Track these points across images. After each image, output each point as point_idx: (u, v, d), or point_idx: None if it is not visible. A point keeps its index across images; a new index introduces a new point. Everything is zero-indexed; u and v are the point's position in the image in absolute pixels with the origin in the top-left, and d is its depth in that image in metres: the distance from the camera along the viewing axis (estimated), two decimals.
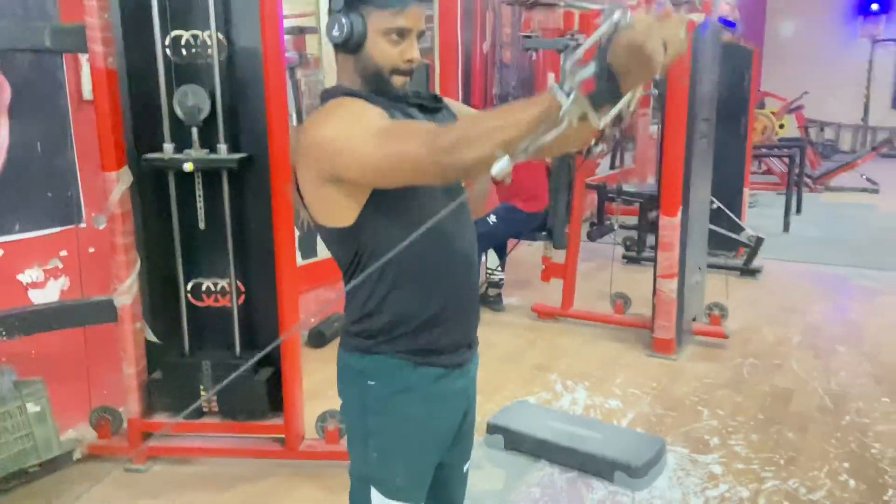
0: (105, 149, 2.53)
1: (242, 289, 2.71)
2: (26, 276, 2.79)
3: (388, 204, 1.31)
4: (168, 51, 2.53)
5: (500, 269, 4.59)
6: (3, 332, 2.46)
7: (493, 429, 2.89)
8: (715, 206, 5.20)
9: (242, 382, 2.63)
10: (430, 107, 1.42)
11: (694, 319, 4.04)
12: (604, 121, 0.91)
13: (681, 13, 0.93)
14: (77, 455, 2.68)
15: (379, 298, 1.37)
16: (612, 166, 5.65)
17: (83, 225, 2.92)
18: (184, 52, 2.54)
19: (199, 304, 2.71)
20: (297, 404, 2.68)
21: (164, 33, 2.50)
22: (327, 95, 1.39)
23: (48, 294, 2.85)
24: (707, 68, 3.77)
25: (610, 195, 5.49)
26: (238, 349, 2.68)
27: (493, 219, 4.30)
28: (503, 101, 5.14)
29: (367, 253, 1.35)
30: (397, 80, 1.35)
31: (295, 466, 2.70)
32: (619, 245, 5.70)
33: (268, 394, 2.66)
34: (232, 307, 2.66)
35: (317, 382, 2.97)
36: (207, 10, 2.46)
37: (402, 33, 1.32)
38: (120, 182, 2.55)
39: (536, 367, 3.71)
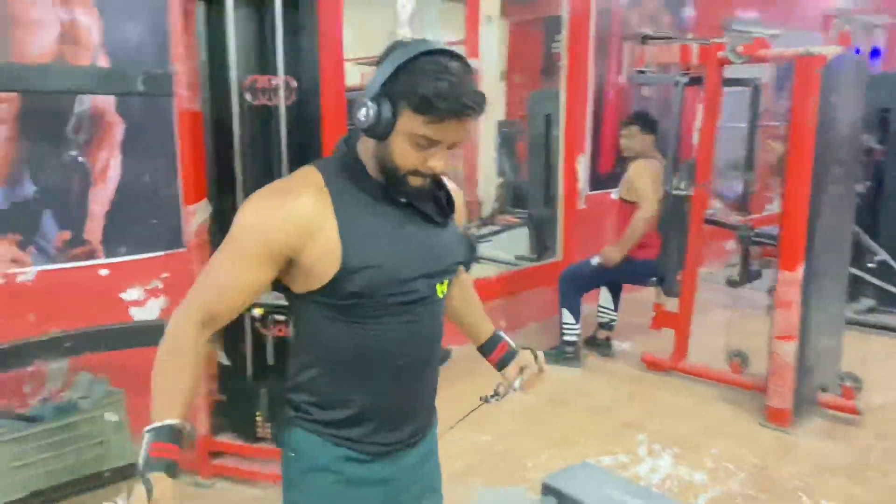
0: (187, 183, 2.74)
1: None
2: (128, 295, 3.08)
3: (330, 301, 1.26)
4: (248, 94, 2.70)
5: (612, 310, 4.34)
6: (86, 347, 2.72)
7: (546, 489, 2.71)
8: (879, 258, 4.59)
9: None
10: (435, 219, 1.32)
11: (824, 389, 3.55)
12: None
13: None
14: None
15: (308, 378, 1.34)
16: (742, 207, 5.14)
17: (184, 249, 3.18)
18: (261, 95, 2.69)
19: (264, 332, 2.83)
20: None
21: (241, 77, 2.66)
22: (337, 145, 1.32)
23: (148, 312, 3.13)
24: (846, 105, 3.32)
25: (752, 238, 4.99)
26: None
27: (596, 261, 4.07)
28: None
29: (305, 330, 1.33)
30: (413, 181, 1.24)
31: None
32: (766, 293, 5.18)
33: None
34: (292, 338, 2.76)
35: None
36: (277, 56, 2.59)
37: (431, 144, 1.20)
38: (198, 214, 2.75)
39: (626, 423, 3.44)
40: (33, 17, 2.70)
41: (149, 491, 1.11)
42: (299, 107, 2.68)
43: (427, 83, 1.14)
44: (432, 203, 1.33)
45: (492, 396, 1.53)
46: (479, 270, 5.22)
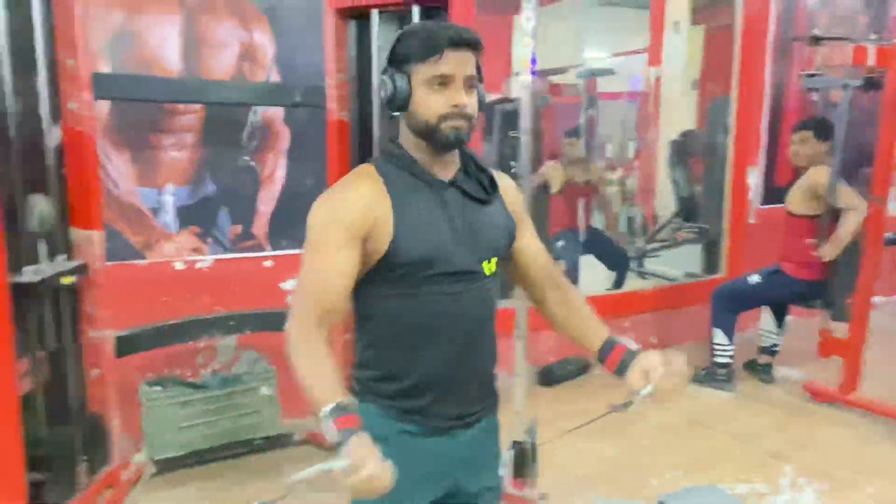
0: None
1: None
2: (288, 285, 3.43)
3: (384, 276, 1.37)
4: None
5: (775, 333, 4.03)
6: (247, 327, 3.08)
7: None
8: None
9: None
10: (476, 196, 1.41)
11: None
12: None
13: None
14: (297, 437, 3.21)
15: (368, 356, 1.46)
16: None
17: None
18: None
19: None
20: None
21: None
22: (382, 149, 1.45)
23: None
24: None
25: None
26: None
27: (754, 279, 3.81)
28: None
29: (363, 310, 1.45)
30: (447, 128, 1.33)
31: None
32: None
33: None
34: None
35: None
36: None
37: (443, 81, 1.31)
38: None
39: (771, 452, 3.20)
40: (218, 39, 3.13)
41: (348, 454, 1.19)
42: None
43: (417, 35, 1.34)
44: (474, 182, 1.43)
45: (622, 405, 1.37)
46: (638, 283, 5.10)
